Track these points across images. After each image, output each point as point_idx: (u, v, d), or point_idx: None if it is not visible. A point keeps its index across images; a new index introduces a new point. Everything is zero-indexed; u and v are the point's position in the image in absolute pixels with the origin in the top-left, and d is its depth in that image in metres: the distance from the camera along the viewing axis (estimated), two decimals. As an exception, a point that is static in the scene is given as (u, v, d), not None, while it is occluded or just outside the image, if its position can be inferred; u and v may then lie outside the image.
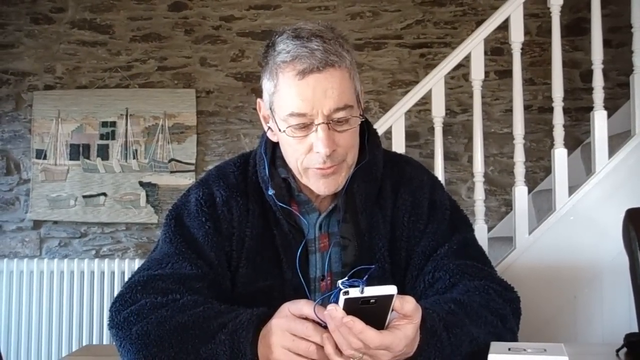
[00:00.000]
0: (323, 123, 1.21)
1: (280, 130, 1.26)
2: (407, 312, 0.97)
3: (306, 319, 1.03)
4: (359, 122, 1.28)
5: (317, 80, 1.20)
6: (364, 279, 0.94)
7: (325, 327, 0.99)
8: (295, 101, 1.22)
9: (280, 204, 1.31)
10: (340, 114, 1.22)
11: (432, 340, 1.07)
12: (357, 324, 0.94)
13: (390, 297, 0.95)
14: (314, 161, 1.25)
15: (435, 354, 1.07)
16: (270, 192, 1.31)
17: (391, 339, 0.96)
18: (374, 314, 0.95)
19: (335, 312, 0.95)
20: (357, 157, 1.32)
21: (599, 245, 2.61)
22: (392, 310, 0.97)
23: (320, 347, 1.01)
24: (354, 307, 0.94)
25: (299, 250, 1.30)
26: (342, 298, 0.94)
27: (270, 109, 1.29)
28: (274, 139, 1.35)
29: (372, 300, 0.94)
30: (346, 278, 0.96)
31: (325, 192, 1.29)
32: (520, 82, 2.80)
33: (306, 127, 1.23)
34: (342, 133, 1.24)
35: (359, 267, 1.08)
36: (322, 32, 1.24)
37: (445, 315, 1.12)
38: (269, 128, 1.34)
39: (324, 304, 1.00)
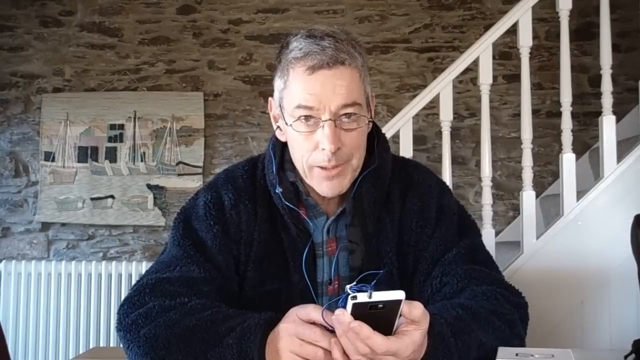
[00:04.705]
0: (330, 120, 1.22)
1: (287, 124, 1.28)
2: (415, 317, 0.97)
3: (314, 323, 1.03)
4: (367, 122, 1.29)
5: (326, 76, 1.22)
6: (372, 283, 0.94)
7: (333, 332, 0.99)
8: (303, 95, 1.23)
9: (287, 204, 1.31)
10: (348, 110, 1.24)
11: (440, 346, 1.06)
12: (365, 329, 0.94)
13: (398, 302, 0.95)
14: (319, 159, 1.26)
15: (443, 360, 1.07)
16: (278, 190, 1.32)
17: (398, 344, 0.96)
18: (381, 319, 0.95)
19: (342, 316, 0.95)
20: (366, 162, 1.32)
21: (606, 251, 2.60)
22: (400, 315, 0.97)
23: (328, 352, 1.00)
24: (361, 312, 0.94)
25: (305, 254, 1.30)
26: (350, 303, 0.93)
27: (280, 105, 1.30)
28: (282, 138, 1.36)
29: (380, 306, 0.94)
30: (354, 283, 0.95)
31: (328, 194, 1.30)
32: (529, 86, 2.79)
33: (313, 122, 1.24)
34: (348, 132, 1.25)
35: (367, 272, 1.08)
36: (335, 33, 1.26)
37: (453, 320, 1.12)
38: (278, 127, 1.36)
39: (331, 308, 1.00)
